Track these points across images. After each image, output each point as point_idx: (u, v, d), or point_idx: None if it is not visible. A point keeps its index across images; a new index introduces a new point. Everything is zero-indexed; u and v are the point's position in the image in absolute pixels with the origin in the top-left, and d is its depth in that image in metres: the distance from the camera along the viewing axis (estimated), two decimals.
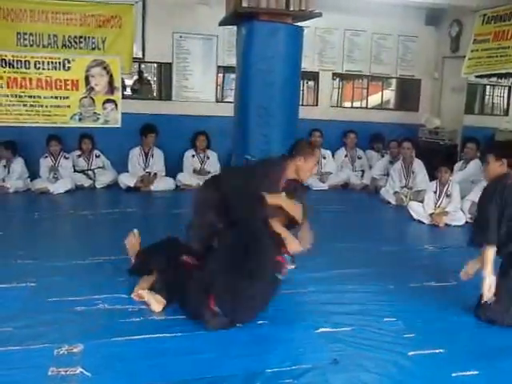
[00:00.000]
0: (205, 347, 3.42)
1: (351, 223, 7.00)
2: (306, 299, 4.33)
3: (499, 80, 10.39)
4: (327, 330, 3.75)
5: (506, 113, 12.17)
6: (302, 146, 4.30)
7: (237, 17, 4.83)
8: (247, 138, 4.68)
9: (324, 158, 9.40)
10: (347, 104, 10.64)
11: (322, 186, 9.12)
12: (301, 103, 9.79)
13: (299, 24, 4.92)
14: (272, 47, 4.57)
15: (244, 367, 3.19)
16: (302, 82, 9.91)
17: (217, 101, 9.42)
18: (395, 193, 8.19)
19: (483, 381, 3.22)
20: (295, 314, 4.05)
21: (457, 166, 8.16)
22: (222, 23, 5.35)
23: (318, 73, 9.92)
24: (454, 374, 3.24)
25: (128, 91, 9.80)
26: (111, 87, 8.79)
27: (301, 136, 8.62)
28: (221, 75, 9.59)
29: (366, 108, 10.63)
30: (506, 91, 12.27)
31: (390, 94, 11.06)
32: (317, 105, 10.07)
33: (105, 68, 8.71)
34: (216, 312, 3.60)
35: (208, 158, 8.93)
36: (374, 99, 10.89)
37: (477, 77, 9.46)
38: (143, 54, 9.00)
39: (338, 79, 10.32)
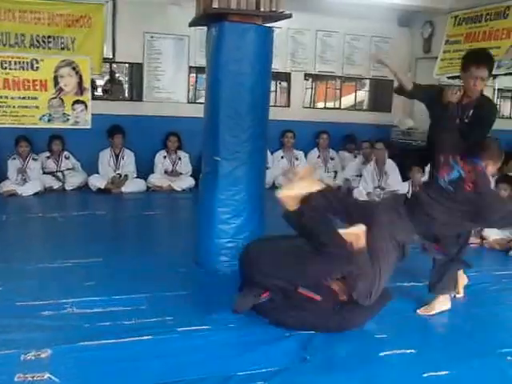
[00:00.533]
0: (175, 351, 3.38)
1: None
2: None
3: None
4: (298, 332, 3.69)
5: None
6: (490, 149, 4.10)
7: (207, 18, 4.77)
8: (217, 139, 4.62)
9: (297, 159, 9.39)
10: (320, 105, 10.63)
11: None
12: (273, 104, 9.85)
13: (270, 25, 4.88)
14: (242, 48, 4.50)
15: (215, 370, 3.17)
16: (274, 83, 9.93)
17: (189, 101, 9.35)
18: (368, 193, 8.20)
19: (454, 381, 3.23)
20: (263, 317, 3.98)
21: (429, 166, 8.16)
22: (192, 24, 5.28)
23: (290, 74, 9.91)
24: (425, 375, 3.24)
25: (100, 92, 9.68)
26: (81, 88, 8.66)
27: (272, 137, 8.70)
28: (193, 76, 9.52)
29: (339, 109, 10.64)
30: None
31: (363, 95, 11.09)
32: (289, 106, 10.05)
33: (74, 68, 8.57)
34: None
35: (180, 159, 8.86)
36: (348, 100, 10.91)
37: (449, 78, 9.48)
38: (113, 55, 8.88)
39: (310, 80, 10.30)
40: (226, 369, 3.19)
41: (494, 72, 7.74)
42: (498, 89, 11.68)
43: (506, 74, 8.07)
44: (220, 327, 3.73)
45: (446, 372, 3.29)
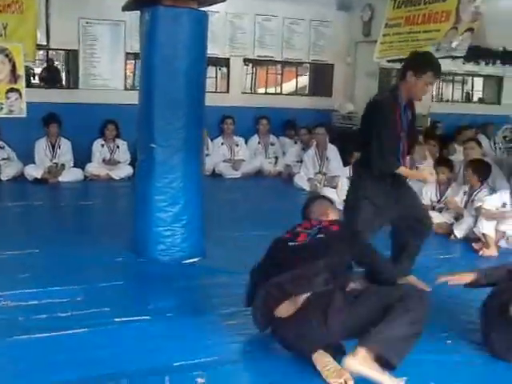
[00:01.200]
0: (112, 342, 3.33)
1: (264, 211, 6.94)
2: (215, 290, 4.25)
3: None
4: (237, 321, 3.66)
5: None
6: (412, 58, 4.14)
7: (140, 1, 4.67)
8: (152, 126, 4.53)
9: (237, 145, 9.32)
10: (261, 90, 10.60)
11: (234, 173, 9.04)
12: (213, 90, 9.77)
13: (206, 9, 4.80)
14: (176, 33, 4.41)
15: (152, 361, 3.12)
16: (214, 69, 9.83)
17: (126, 88, 9.16)
18: (309, 179, 8.22)
19: None
20: (204, 306, 3.99)
21: None
22: (125, 8, 5.14)
23: (229, 59, 9.79)
24: None
25: (37, 80, 9.40)
26: (14, 75, 8.34)
27: (212, 123, 8.63)
28: (131, 62, 9.32)
29: (281, 94, 10.63)
30: None
31: (303, 80, 11.10)
32: (228, 91, 9.97)
33: (7, 55, 8.23)
34: None
35: (118, 147, 8.69)
36: (288, 85, 10.92)
37: (389, 61, 9.56)
38: (48, 41, 8.60)
39: (250, 65, 10.24)
40: (163, 359, 3.14)
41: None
42: None
43: (444, 57, 8.16)
44: (158, 317, 3.67)
45: None
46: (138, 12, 4.84)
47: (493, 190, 6.21)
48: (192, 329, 3.56)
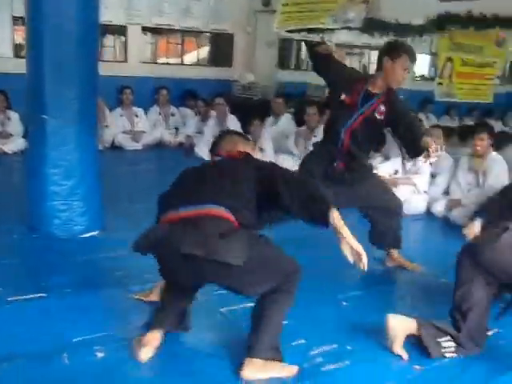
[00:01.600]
0: (6, 322, 3.19)
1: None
2: (117, 263, 4.14)
3: (309, 35, 10.66)
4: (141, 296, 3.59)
5: None
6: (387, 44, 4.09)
7: None
8: (42, 96, 4.32)
9: (136, 116, 9.09)
10: (161, 60, 10.38)
11: (135, 145, 8.81)
12: (111, 59, 9.48)
13: None
14: None
15: (50, 339, 3.03)
16: (112, 38, 9.52)
17: (16, 56, 8.68)
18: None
19: (292, 330, 3.22)
20: (105, 280, 3.89)
21: (268, 121, 8.29)
22: None
23: (125, 27, 9.51)
24: None
25: None
26: None
27: (110, 93, 8.38)
28: (21, 27, 8.81)
29: (181, 64, 10.46)
30: None
31: (204, 50, 10.97)
32: (126, 61, 9.70)
33: None
34: None
35: (9, 119, 8.21)
36: (190, 55, 10.76)
37: (288, 31, 9.60)
38: None
39: (149, 34, 9.98)
40: (61, 336, 3.05)
41: (330, 26, 8.08)
42: (336, 43, 12.07)
43: (342, 28, 8.29)
44: (55, 294, 3.55)
45: (285, 322, 3.36)
46: None
47: (386, 158, 6.43)
48: (91, 304, 3.47)
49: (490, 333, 3.33)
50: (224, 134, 3.44)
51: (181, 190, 3.02)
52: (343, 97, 4.03)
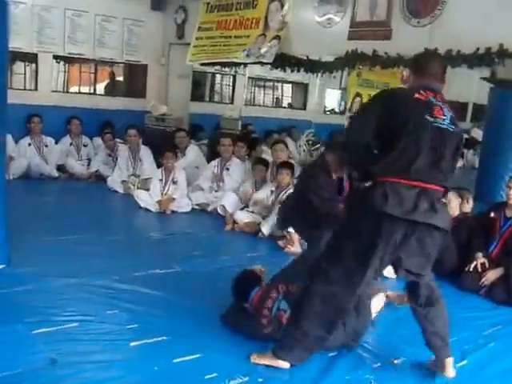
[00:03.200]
0: None
1: (76, 214, 6.70)
2: (21, 298, 4.03)
3: (224, 69, 10.81)
4: (45, 329, 3.53)
5: (232, 101, 12.81)
6: None
7: None
8: None
9: (46, 145, 8.84)
10: (74, 89, 10.20)
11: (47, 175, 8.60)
12: (22, 87, 9.24)
13: None
14: None
15: None
16: (23, 65, 9.29)
17: None
18: (123, 181, 8.07)
19: (204, 363, 3.31)
20: (7, 316, 3.72)
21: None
22: None
23: (37, 54, 9.27)
24: (175, 360, 3.29)
25: None
26: None
27: (18, 122, 8.16)
28: None
29: (94, 94, 10.32)
30: (232, 80, 12.92)
31: (118, 80, 10.88)
32: (37, 89, 9.46)
33: None
34: None
35: None
36: (103, 85, 10.64)
37: (202, 64, 9.68)
38: None
39: (61, 62, 9.79)
40: None
41: (243, 60, 8.24)
42: (250, 77, 12.30)
43: (254, 63, 8.45)
44: None
45: (197, 355, 3.38)
46: None
47: None
48: None
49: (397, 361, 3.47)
50: None
51: None
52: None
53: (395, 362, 3.55)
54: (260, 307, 3.57)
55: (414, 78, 3.34)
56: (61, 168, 8.88)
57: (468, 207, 5.67)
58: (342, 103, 14.16)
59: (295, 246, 5.75)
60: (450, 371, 3.31)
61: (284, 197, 6.24)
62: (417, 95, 3.10)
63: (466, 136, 16.91)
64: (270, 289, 3.61)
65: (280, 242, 5.96)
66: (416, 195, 2.97)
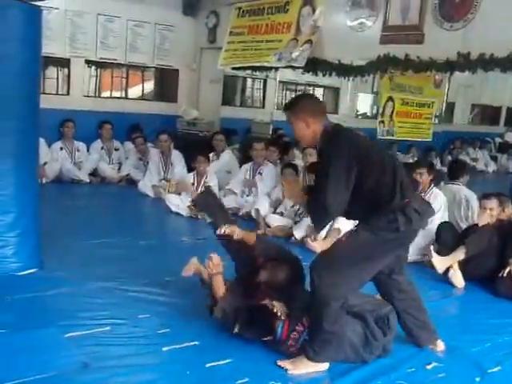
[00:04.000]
0: None
1: (108, 218, 6.76)
2: (53, 302, 4.06)
3: (254, 73, 10.81)
4: (77, 333, 3.55)
5: (263, 105, 12.81)
6: None
7: None
8: None
9: (78, 150, 8.94)
10: (105, 94, 10.29)
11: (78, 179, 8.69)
12: (55, 92, 9.34)
13: (41, 4, 4.56)
14: (5, 28, 4.10)
15: None
16: (55, 70, 9.39)
17: None
18: (153, 186, 8.10)
19: (236, 368, 3.30)
20: (41, 319, 3.75)
21: (211, 156, 8.29)
22: None
23: (69, 60, 9.38)
24: (208, 365, 3.28)
25: None
26: None
27: (51, 127, 8.24)
28: None
29: (126, 98, 10.39)
30: (262, 84, 12.92)
31: (149, 85, 10.95)
32: (69, 94, 9.56)
33: None
34: None
35: None
36: (134, 89, 10.70)
37: (233, 69, 9.71)
38: None
39: (93, 67, 9.89)
40: None
41: (274, 65, 8.23)
42: (281, 81, 12.26)
43: (286, 67, 8.44)
44: None
45: (229, 360, 3.37)
46: None
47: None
48: (28, 344, 3.36)
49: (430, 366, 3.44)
50: None
51: None
52: None
53: (428, 367, 3.49)
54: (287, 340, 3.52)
55: (319, 120, 3.30)
56: (92, 172, 8.97)
57: (506, 214, 5.57)
58: (374, 107, 14.05)
59: (321, 245, 5.61)
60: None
61: None
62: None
63: (499, 140, 16.74)
64: (295, 323, 3.50)
65: (308, 239, 5.89)
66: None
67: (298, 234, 6.18)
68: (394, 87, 8.24)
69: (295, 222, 6.44)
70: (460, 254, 5.14)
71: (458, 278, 5.12)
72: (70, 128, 8.87)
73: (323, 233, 5.78)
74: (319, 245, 5.64)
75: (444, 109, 12.85)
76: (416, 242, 4.61)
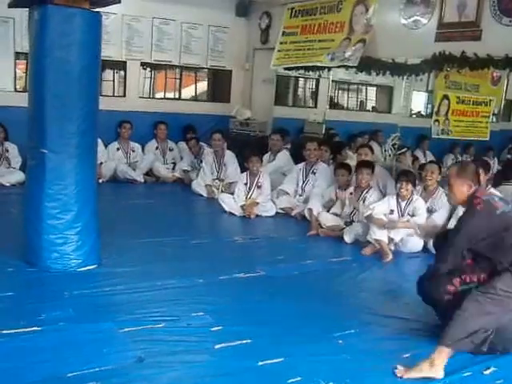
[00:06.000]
0: (1, 355, 3.18)
1: (162, 217, 6.86)
2: (111, 297, 4.18)
3: (307, 73, 10.77)
4: (133, 328, 3.64)
5: (315, 105, 12.75)
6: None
7: None
8: (43, 130, 4.36)
9: (133, 151, 9.12)
10: (159, 95, 10.46)
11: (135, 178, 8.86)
12: (111, 94, 9.55)
13: (102, 10, 4.70)
14: (68, 34, 4.25)
15: (44, 373, 3.02)
16: (111, 72, 9.60)
17: (16, 90, 8.72)
18: (206, 186, 8.19)
19: (288, 367, 3.30)
20: (98, 314, 3.87)
21: (266, 157, 8.31)
22: (12, 5, 4.91)
23: (125, 62, 9.56)
24: (260, 363, 3.29)
25: None
26: None
27: (108, 128, 8.43)
28: (22, 62, 8.90)
29: (179, 99, 10.53)
30: (315, 84, 12.86)
31: (202, 85, 11.06)
32: (125, 95, 9.74)
33: None
34: None
35: (7, 150, 8.25)
36: (187, 90, 10.83)
37: (285, 69, 9.71)
38: None
39: (148, 69, 10.07)
40: (56, 370, 3.05)
41: (327, 64, 8.20)
42: (333, 80, 12.19)
43: (339, 67, 8.39)
44: (49, 327, 3.56)
45: (281, 359, 3.37)
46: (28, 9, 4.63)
47: (381, 193, 6.46)
48: (86, 338, 3.48)
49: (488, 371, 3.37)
50: None
51: None
52: None
53: (485, 372, 3.43)
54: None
55: None
56: (147, 172, 9.14)
57: None
58: (429, 106, 13.80)
59: (387, 254, 5.67)
60: None
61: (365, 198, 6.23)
62: None
63: None
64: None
65: (365, 250, 5.84)
66: None
67: (348, 238, 6.18)
68: (449, 85, 8.08)
69: (345, 223, 6.42)
70: None
71: None
72: (126, 129, 9.06)
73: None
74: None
75: (502, 107, 12.52)
76: None
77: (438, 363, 3.26)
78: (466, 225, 3.63)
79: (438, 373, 3.26)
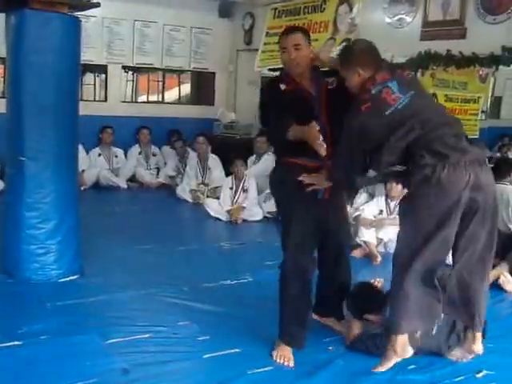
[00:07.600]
0: None
1: (146, 224, 6.74)
2: (93, 309, 4.07)
3: None
4: (118, 340, 3.56)
5: None
6: None
7: (4, 3, 4.38)
8: (21, 138, 4.25)
9: (116, 156, 9.01)
10: (142, 98, 10.34)
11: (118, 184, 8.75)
12: (92, 99, 9.42)
13: (81, 13, 4.62)
14: (45, 39, 4.16)
15: None
16: (92, 76, 9.47)
17: None
18: (191, 191, 8.08)
19: (278, 375, 3.27)
20: (81, 326, 3.77)
21: (250, 160, 8.20)
22: None
23: (106, 66, 9.46)
24: (249, 372, 3.24)
25: None
26: None
27: (89, 133, 8.28)
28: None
29: (163, 103, 10.42)
30: None
31: (186, 89, 10.96)
32: (106, 100, 9.64)
33: None
34: None
35: None
36: (171, 93, 10.73)
37: (270, 70, 9.63)
38: None
39: (130, 72, 9.95)
40: None
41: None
42: None
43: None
44: (30, 341, 3.46)
45: (271, 367, 3.34)
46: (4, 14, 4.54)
47: (370, 195, 6.39)
48: (68, 351, 3.38)
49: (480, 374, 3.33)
50: None
51: None
52: None
53: (478, 375, 3.37)
54: None
55: None
56: (131, 178, 9.01)
57: None
58: None
59: (375, 256, 5.59)
60: None
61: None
62: None
63: None
64: None
65: (355, 252, 5.68)
66: None
67: None
68: (436, 83, 8.02)
69: None
70: (503, 269, 4.97)
71: (510, 284, 4.93)
72: (109, 134, 8.95)
73: None
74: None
75: (490, 104, 12.56)
76: None
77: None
78: (348, 127, 3.04)
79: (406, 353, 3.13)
